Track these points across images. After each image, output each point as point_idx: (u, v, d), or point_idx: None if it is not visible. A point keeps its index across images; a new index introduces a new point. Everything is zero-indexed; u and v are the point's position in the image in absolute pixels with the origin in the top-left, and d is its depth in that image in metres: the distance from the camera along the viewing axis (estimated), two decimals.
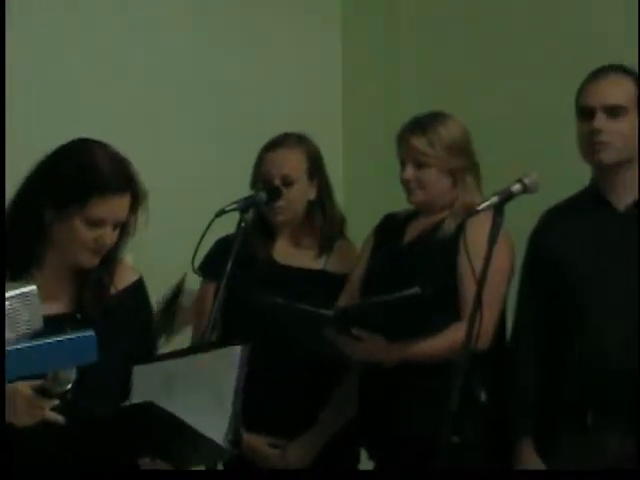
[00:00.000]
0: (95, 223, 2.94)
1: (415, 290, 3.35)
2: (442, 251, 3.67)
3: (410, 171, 3.68)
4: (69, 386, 2.76)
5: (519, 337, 3.74)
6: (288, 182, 3.81)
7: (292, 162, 3.87)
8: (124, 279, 3.05)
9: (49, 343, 2.39)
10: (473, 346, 3.19)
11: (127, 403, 2.90)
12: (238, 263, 3.39)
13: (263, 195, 3.66)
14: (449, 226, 3.70)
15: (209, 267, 3.58)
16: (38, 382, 2.74)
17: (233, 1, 5.13)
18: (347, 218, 4.13)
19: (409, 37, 5.41)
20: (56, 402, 2.75)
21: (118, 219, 2.98)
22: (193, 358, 2.96)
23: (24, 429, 2.78)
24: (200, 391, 2.87)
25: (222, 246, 3.62)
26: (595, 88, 3.55)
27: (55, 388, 2.76)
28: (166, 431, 2.83)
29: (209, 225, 3.42)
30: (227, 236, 3.61)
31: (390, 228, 3.92)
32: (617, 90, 3.54)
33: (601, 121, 3.48)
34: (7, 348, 2.34)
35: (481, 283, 3.19)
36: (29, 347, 2.36)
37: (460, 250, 3.48)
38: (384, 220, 3.96)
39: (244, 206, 3.45)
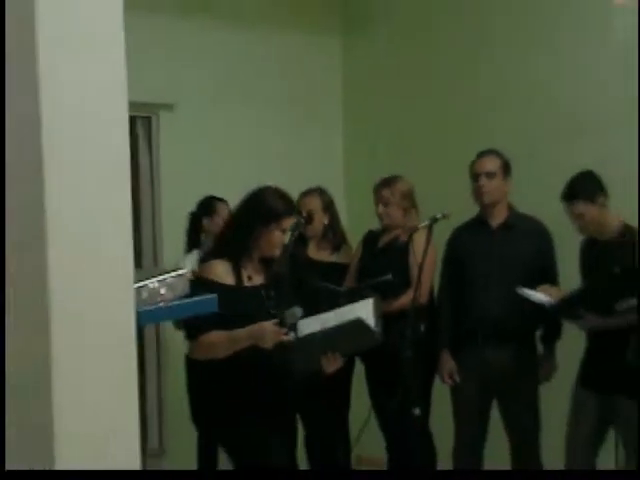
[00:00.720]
0: (284, 232, 3.94)
1: (388, 277, 4.66)
2: (400, 252, 5.04)
3: (381, 208, 5.13)
4: (298, 320, 3.74)
5: (440, 296, 5.10)
6: (311, 214, 5.15)
7: (313, 203, 5.28)
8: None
9: (188, 302, 3.11)
10: (417, 302, 4.56)
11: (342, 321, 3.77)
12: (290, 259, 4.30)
13: (303, 220, 4.81)
14: (402, 238, 5.08)
15: None
16: (276, 320, 3.71)
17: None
18: (348, 232, 5.55)
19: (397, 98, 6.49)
20: (286, 330, 3.70)
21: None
22: (338, 309, 3.94)
23: (268, 349, 3.72)
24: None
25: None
26: (480, 162, 4.91)
27: (290, 320, 3.69)
28: (360, 334, 3.82)
29: None
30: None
31: (370, 239, 5.32)
32: (491, 163, 4.89)
33: (483, 181, 4.85)
34: (169, 304, 2.99)
35: (421, 268, 4.57)
36: (179, 303, 3.07)
37: (409, 251, 4.95)
38: (367, 234, 5.38)
39: (293, 227, 4.33)
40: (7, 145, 2.47)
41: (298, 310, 3.74)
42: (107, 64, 2.47)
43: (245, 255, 3.98)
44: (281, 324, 3.75)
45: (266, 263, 4.06)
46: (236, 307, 3.83)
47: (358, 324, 3.83)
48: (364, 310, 3.95)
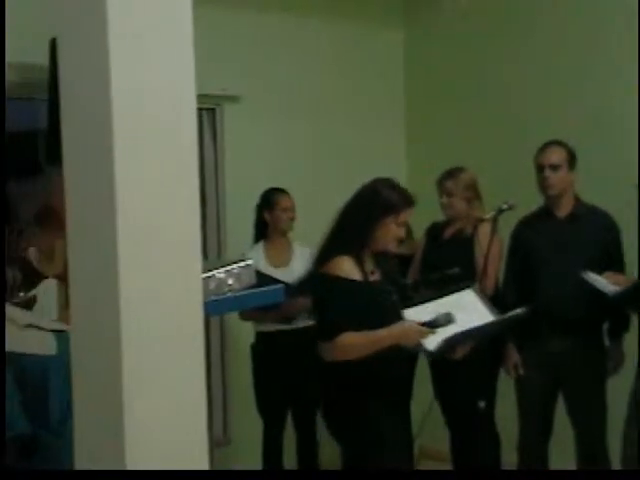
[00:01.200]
0: (401, 225, 3.84)
1: (455, 270, 4.62)
2: (465, 244, 5.02)
3: (444, 199, 5.10)
4: (450, 325, 3.67)
5: (505, 287, 5.04)
6: None
7: None
8: None
9: (255, 292, 3.12)
10: (483, 293, 4.45)
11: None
12: None
13: None
14: (467, 230, 5.09)
15: None
16: (422, 320, 3.70)
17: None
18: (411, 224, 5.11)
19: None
20: (431, 330, 3.70)
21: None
22: (441, 300, 3.96)
23: (409, 347, 3.76)
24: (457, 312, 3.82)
25: None
26: (544, 154, 4.85)
27: (443, 324, 3.66)
28: (512, 326, 4.04)
29: None
30: None
31: (434, 230, 5.30)
32: (555, 155, 4.83)
33: (547, 173, 4.80)
34: (236, 294, 2.99)
35: (486, 259, 4.66)
36: (247, 294, 3.09)
37: (475, 243, 4.96)
38: (431, 226, 5.36)
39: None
40: (80, 140, 2.52)
41: (452, 314, 3.74)
42: (175, 55, 2.47)
43: (365, 249, 3.91)
44: (430, 324, 3.74)
45: (377, 257, 4.01)
46: (368, 304, 3.77)
47: (517, 317, 3.96)
48: (471, 298, 4.01)
